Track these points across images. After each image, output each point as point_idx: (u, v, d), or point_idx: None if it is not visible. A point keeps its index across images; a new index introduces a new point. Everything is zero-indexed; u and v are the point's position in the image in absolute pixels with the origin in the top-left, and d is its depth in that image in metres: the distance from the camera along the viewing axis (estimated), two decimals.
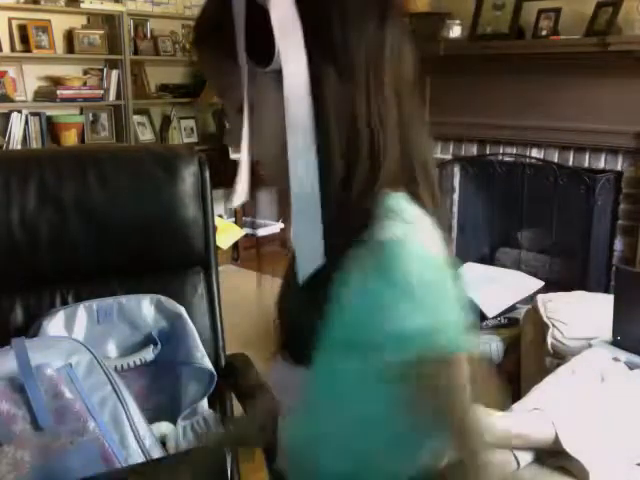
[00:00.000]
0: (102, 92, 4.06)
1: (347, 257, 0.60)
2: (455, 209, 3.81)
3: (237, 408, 1.39)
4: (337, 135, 0.62)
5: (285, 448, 0.75)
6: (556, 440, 1.43)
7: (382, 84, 0.64)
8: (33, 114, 3.82)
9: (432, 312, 0.59)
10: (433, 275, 0.60)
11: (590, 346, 1.90)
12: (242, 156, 0.63)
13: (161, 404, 1.37)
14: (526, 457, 1.46)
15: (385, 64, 0.65)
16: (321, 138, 0.62)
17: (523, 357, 2.23)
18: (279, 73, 0.60)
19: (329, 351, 0.62)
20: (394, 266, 0.58)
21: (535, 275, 3.01)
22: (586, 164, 3.31)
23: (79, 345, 1.26)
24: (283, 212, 0.86)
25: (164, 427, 1.30)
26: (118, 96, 4.13)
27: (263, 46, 0.60)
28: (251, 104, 0.63)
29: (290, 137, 0.61)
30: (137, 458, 1.15)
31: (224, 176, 4.98)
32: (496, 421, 0.71)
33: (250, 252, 4.54)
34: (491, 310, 2.55)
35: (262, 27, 0.59)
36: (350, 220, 0.62)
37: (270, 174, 0.67)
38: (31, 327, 1.34)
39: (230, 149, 4.42)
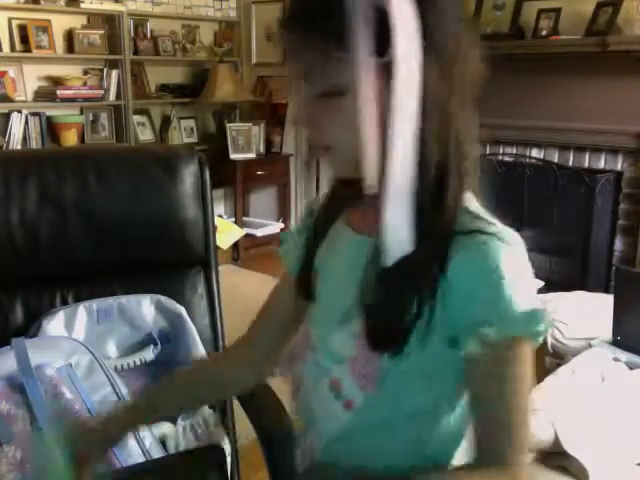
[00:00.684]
0: (102, 92, 4.06)
1: (446, 247, 0.67)
2: None
3: (237, 408, 1.39)
4: (435, 129, 0.66)
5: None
6: (556, 440, 1.43)
7: (465, 84, 0.68)
8: (33, 114, 3.82)
9: (532, 299, 0.67)
10: (526, 265, 0.69)
11: (590, 346, 1.90)
12: (369, 143, 0.64)
13: None
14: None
15: (470, 65, 0.68)
16: (421, 131, 0.65)
17: None
18: (388, 63, 0.62)
19: (428, 334, 0.68)
20: (508, 256, 0.66)
21: (535, 275, 3.00)
22: (586, 164, 3.31)
23: (79, 345, 1.26)
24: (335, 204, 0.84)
25: (164, 427, 1.30)
26: (118, 96, 4.12)
27: (376, 36, 0.62)
28: (342, 89, 0.66)
29: (396, 126, 0.63)
30: (137, 458, 1.15)
31: (224, 176, 4.97)
32: None
33: (249, 252, 4.54)
34: None
35: (378, 19, 0.61)
36: (444, 213, 0.67)
37: (344, 160, 0.70)
38: (31, 327, 1.34)
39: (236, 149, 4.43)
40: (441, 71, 0.65)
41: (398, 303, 0.68)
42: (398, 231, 0.66)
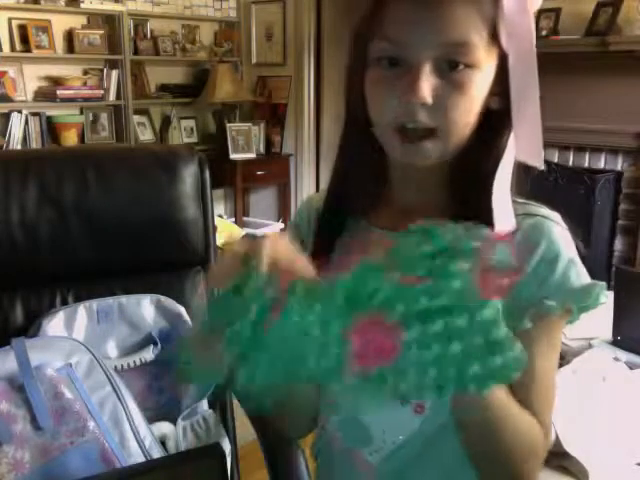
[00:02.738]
0: (102, 92, 4.07)
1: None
2: None
3: (237, 408, 1.39)
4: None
5: None
6: (556, 440, 1.43)
7: None
8: (33, 114, 3.82)
9: (584, 272, 0.72)
10: (573, 242, 0.74)
11: (590, 346, 1.90)
12: (535, 115, 0.70)
13: (161, 404, 1.37)
14: None
15: None
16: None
17: None
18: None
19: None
20: (560, 233, 0.73)
21: None
22: (586, 164, 3.31)
23: (79, 345, 1.25)
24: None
25: (164, 427, 1.30)
26: (118, 96, 4.13)
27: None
28: (476, 66, 0.69)
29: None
30: (137, 458, 1.15)
31: (224, 176, 4.97)
32: None
33: None
34: None
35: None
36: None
37: (445, 146, 0.70)
38: (31, 327, 1.34)
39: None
40: None
41: None
42: (504, 209, 0.69)
